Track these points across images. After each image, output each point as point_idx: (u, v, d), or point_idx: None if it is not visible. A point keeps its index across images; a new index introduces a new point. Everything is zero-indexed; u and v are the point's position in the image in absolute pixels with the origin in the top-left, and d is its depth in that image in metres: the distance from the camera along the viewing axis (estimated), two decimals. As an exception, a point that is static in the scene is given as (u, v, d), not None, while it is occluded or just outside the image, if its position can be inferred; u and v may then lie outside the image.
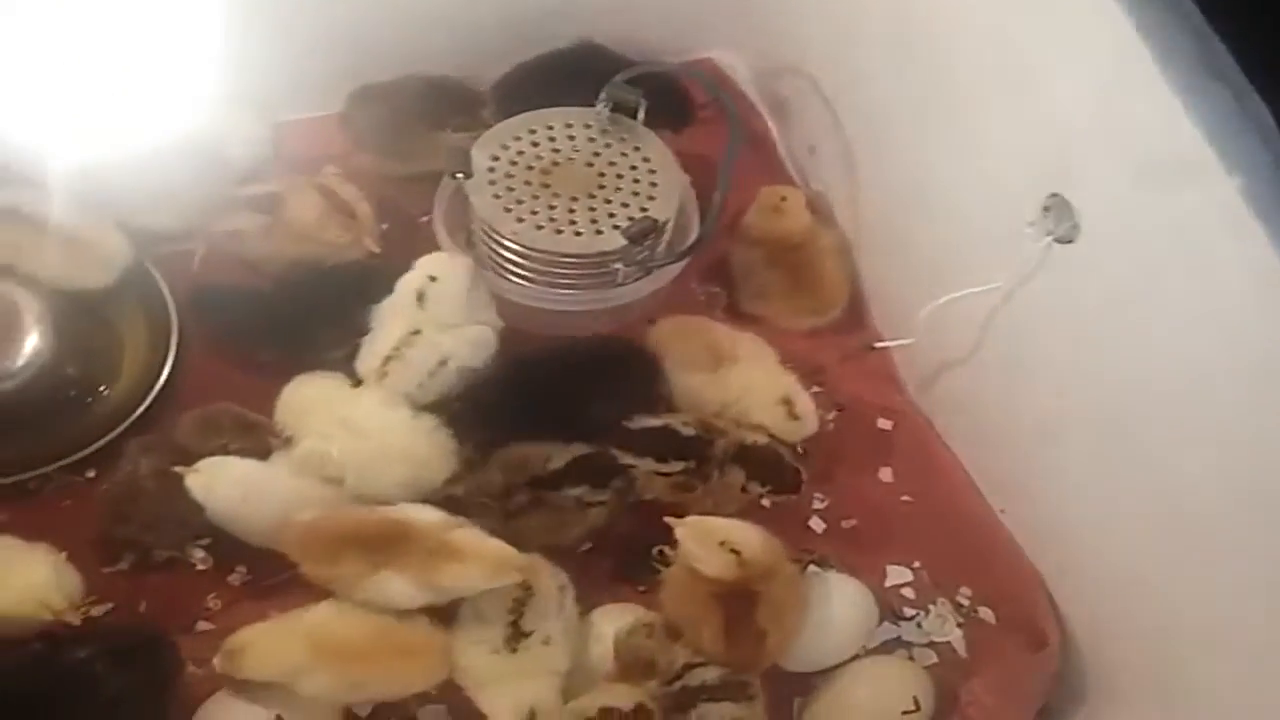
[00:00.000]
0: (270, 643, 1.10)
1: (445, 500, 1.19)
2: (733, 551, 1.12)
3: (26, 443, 1.28)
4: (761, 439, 1.26)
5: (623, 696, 1.10)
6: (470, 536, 1.12)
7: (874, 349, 1.45)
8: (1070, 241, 1.08)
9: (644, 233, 1.30)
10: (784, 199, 1.44)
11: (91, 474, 1.29)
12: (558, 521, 1.20)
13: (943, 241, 1.30)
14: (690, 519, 1.15)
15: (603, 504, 1.20)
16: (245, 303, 1.35)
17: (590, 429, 1.23)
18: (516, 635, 1.13)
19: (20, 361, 1.27)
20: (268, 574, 1.22)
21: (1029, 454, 1.25)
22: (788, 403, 1.29)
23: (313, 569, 1.12)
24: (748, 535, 1.14)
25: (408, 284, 1.27)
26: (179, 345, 1.34)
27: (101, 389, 1.34)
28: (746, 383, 1.30)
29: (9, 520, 1.21)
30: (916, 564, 1.32)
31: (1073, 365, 1.15)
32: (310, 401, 1.25)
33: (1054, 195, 1.08)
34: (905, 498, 1.36)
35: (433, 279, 1.26)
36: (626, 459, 1.22)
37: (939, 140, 1.27)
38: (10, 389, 1.27)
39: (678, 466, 1.22)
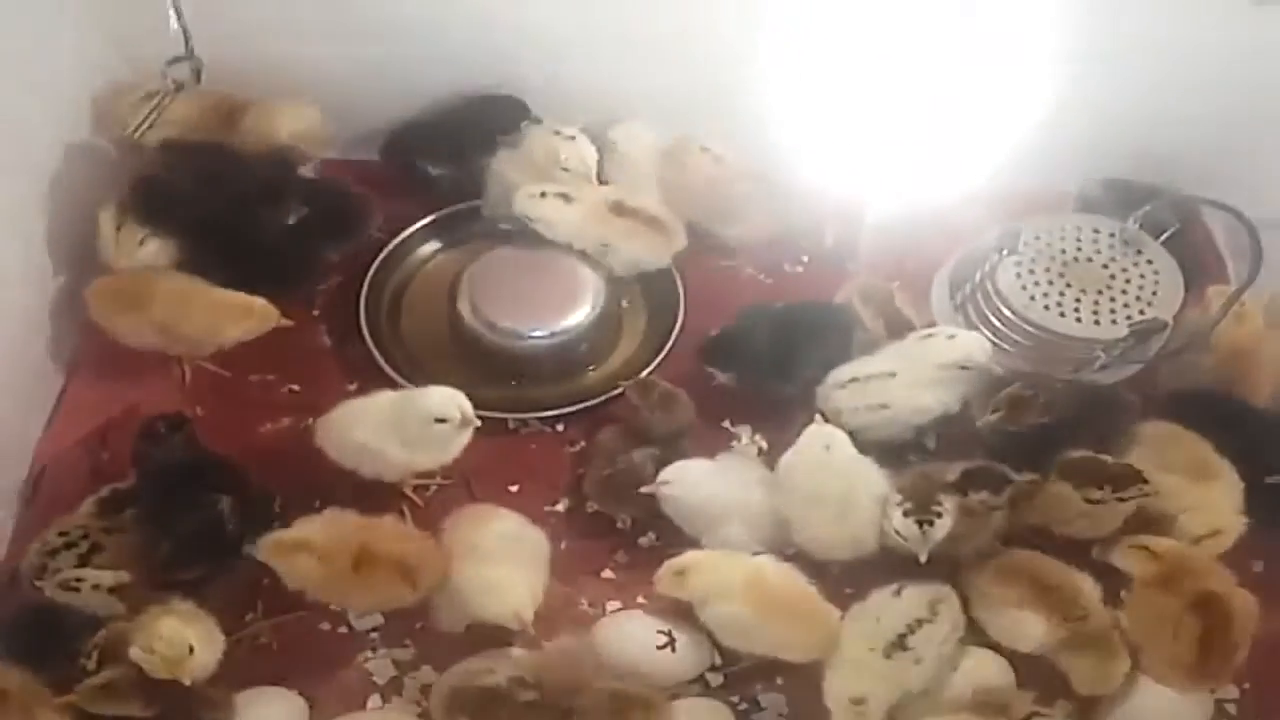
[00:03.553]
0: (715, 568, 1.23)
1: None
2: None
3: (528, 391, 1.51)
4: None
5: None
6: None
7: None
8: None
9: (1150, 330, 1.40)
10: (1243, 303, 1.43)
11: (560, 428, 1.48)
12: (974, 526, 1.25)
13: None
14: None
15: (1000, 508, 1.25)
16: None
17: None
18: (897, 646, 1.19)
19: (554, 330, 1.50)
20: (674, 544, 1.31)
21: None
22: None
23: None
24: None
25: (934, 334, 1.41)
26: (669, 350, 1.52)
27: (590, 367, 1.54)
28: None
29: (487, 448, 1.38)
30: (1246, 685, 1.30)
31: None
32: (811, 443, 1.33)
33: None
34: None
35: (951, 337, 1.41)
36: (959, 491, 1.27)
37: None
38: (538, 347, 1.51)
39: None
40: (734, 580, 1.22)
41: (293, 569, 1.20)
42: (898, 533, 1.22)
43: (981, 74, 1.45)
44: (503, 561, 1.24)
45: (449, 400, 1.29)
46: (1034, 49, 1.41)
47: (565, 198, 1.54)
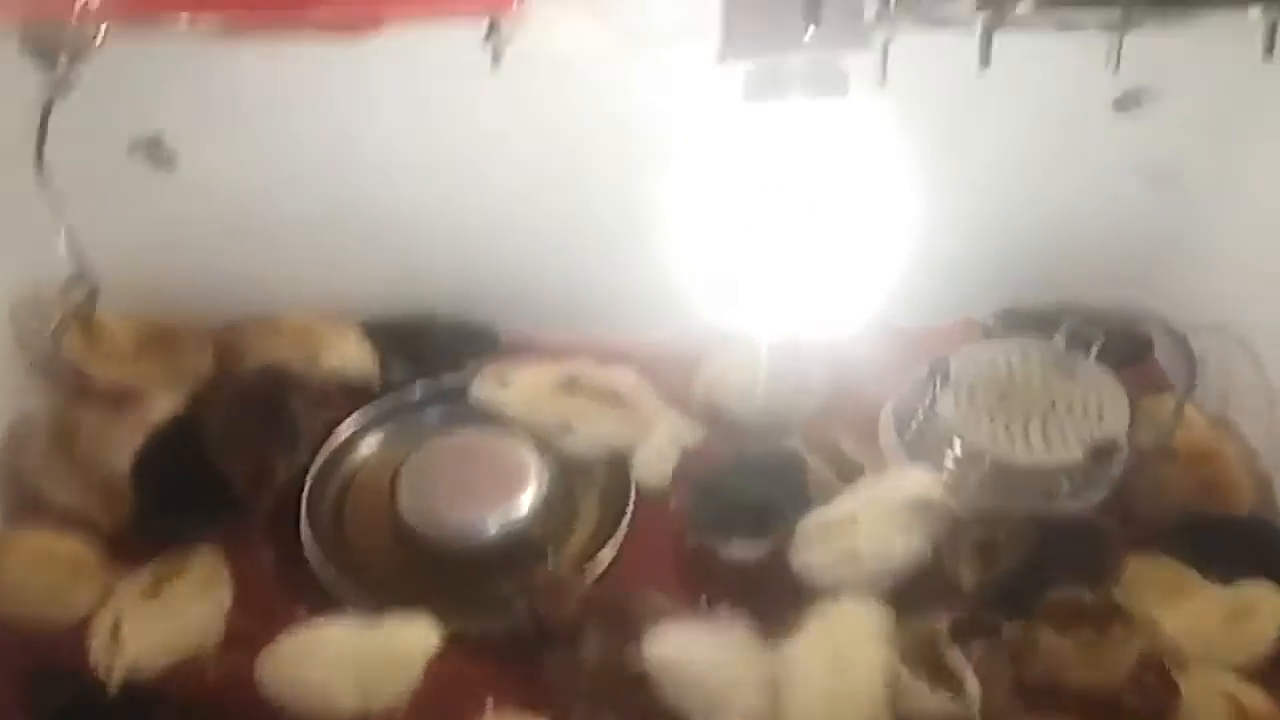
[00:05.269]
0: None
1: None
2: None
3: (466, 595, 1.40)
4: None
5: None
6: None
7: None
8: None
9: (1105, 451, 1.40)
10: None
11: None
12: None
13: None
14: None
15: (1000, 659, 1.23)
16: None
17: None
18: None
19: (498, 526, 1.42)
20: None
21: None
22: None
23: None
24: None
25: (891, 480, 1.39)
26: (623, 540, 1.45)
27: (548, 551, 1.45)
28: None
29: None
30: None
31: None
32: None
33: None
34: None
35: (904, 477, 1.40)
36: None
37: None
38: (478, 545, 1.42)
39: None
40: None
41: None
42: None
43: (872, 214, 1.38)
44: None
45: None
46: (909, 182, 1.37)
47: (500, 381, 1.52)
